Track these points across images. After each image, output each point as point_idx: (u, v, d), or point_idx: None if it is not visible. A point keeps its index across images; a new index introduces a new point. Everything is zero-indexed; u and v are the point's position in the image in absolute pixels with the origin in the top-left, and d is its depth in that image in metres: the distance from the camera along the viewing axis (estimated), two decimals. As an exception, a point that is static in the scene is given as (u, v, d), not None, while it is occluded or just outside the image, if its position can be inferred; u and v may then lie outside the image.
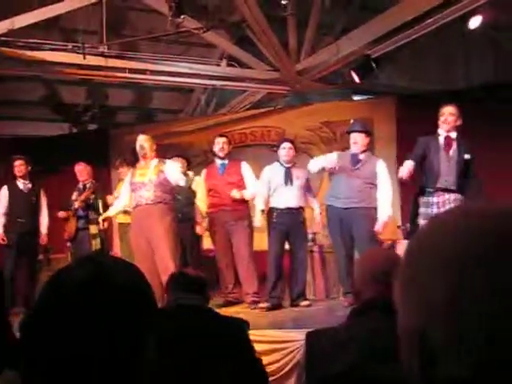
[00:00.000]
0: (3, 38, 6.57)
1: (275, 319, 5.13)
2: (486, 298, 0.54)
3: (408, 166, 4.83)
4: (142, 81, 8.05)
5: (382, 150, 7.62)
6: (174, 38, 7.81)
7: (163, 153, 5.92)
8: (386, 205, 5.30)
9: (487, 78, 8.10)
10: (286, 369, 4.17)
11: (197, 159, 7.07)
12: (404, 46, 7.03)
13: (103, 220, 5.80)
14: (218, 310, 5.34)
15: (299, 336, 4.07)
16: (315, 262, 6.39)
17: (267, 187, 5.70)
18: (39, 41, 6.97)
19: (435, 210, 4.86)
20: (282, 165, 5.77)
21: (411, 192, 5.26)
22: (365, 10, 7.76)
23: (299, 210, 5.69)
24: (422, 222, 4.90)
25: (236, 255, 5.87)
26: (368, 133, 5.54)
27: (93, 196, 6.73)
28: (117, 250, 7.06)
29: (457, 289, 0.56)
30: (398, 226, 6.57)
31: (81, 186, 6.89)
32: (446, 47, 8.50)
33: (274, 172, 5.77)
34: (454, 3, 6.05)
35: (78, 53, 6.94)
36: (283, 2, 7.20)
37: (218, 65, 8.21)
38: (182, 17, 6.62)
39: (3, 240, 6.51)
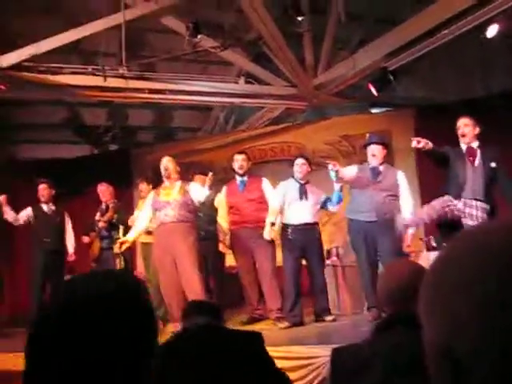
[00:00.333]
0: (26, 64, 6.71)
1: (299, 335, 5.11)
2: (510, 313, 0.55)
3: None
4: (161, 100, 8.14)
5: (402, 163, 7.60)
6: (192, 58, 7.90)
7: (184, 171, 5.98)
8: (410, 216, 5.29)
9: (506, 86, 8.04)
10: (313, 385, 4.15)
11: (217, 177, 7.08)
12: (421, 58, 7.02)
13: (121, 243, 5.83)
14: (242, 327, 5.38)
15: (324, 352, 4.05)
16: (339, 276, 6.37)
17: (281, 201, 5.71)
18: (60, 65, 7.11)
19: (470, 222, 4.82)
20: (296, 180, 5.79)
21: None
22: (380, 23, 7.78)
23: (314, 226, 5.69)
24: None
25: (259, 272, 5.86)
26: (385, 145, 5.55)
27: (116, 216, 6.79)
28: (141, 270, 7.11)
29: (482, 305, 0.57)
30: (421, 239, 6.52)
31: (103, 206, 6.96)
32: (463, 57, 8.47)
33: (288, 187, 5.78)
34: (470, 13, 6.05)
35: (98, 75, 7.07)
36: (299, 19, 7.26)
37: (236, 82, 8.27)
38: (199, 36, 6.72)
39: None
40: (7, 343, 5.48)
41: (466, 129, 4.93)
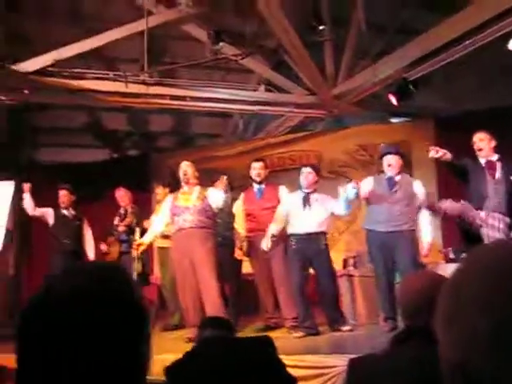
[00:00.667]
0: (49, 69, 6.81)
1: (315, 344, 5.10)
2: None
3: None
4: (181, 107, 8.19)
5: (421, 174, 7.56)
6: (213, 65, 7.94)
7: (203, 177, 6.00)
8: (429, 226, 5.26)
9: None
10: (327, 394, 4.13)
11: (235, 183, 7.13)
12: (441, 68, 6.99)
13: (138, 245, 5.86)
14: (258, 335, 5.37)
15: (339, 361, 4.04)
16: (355, 286, 6.33)
17: (286, 211, 5.67)
18: (82, 70, 7.19)
19: (491, 234, 4.83)
20: (301, 190, 5.74)
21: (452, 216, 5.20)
22: (401, 33, 7.76)
23: (319, 235, 5.57)
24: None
25: (275, 280, 5.86)
26: (401, 154, 5.52)
27: (135, 220, 6.85)
28: (157, 274, 7.15)
29: (499, 322, 0.57)
30: (439, 250, 6.47)
31: (122, 211, 7.03)
32: (483, 68, 8.42)
33: (293, 197, 5.75)
34: (492, 24, 6.01)
35: (119, 81, 7.14)
36: (320, 28, 7.28)
37: (256, 90, 8.30)
38: (221, 44, 6.76)
39: None
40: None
41: (482, 143, 4.97)
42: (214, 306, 5.24)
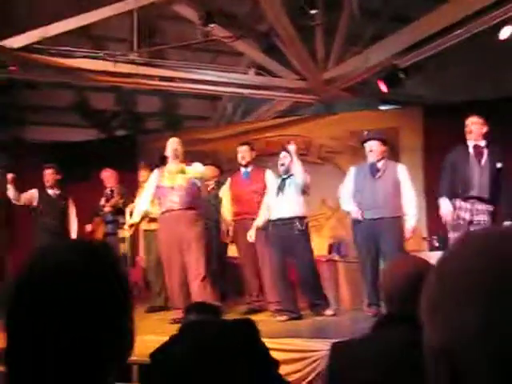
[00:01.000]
0: (36, 46, 6.71)
1: (298, 328, 5.12)
2: None
3: (449, 207, 5.03)
4: (170, 88, 8.13)
5: (408, 161, 7.57)
6: (203, 46, 7.88)
7: (190, 159, 5.96)
8: (413, 210, 5.27)
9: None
10: (309, 378, 4.16)
11: (223, 167, 7.10)
12: (432, 56, 6.99)
13: (130, 226, 5.83)
14: (240, 317, 5.38)
15: (322, 346, 4.06)
16: (340, 271, 6.37)
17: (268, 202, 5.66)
18: (71, 48, 7.10)
19: (468, 216, 4.91)
20: (280, 176, 5.67)
21: (437, 204, 5.24)
22: (393, 20, 7.74)
23: (293, 220, 5.44)
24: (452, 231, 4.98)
25: (260, 263, 5.87)
26: (383, 140, 5.50)
27: (121, 201, 6.81)
28: (142, 256, 7.15)
29: (486, 310, 0.57)
30: (424, 238, 6.51)
31: (108, 191, 6.98)
32: (475, 57, 8.43)
33: (273, 184, 5.71)
34: (484, 14, 6.01)
35: (108, 60, 7.06)
36: (312, 12, 7.23)
37: (246, 73, 8.26)
38: (211, 25, 6.69)
39: None
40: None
41: (474, 126, 5.01)
42: (200, 290, 5.24)
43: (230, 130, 9.10)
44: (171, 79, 7.76)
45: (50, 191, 6.82)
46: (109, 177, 7.04)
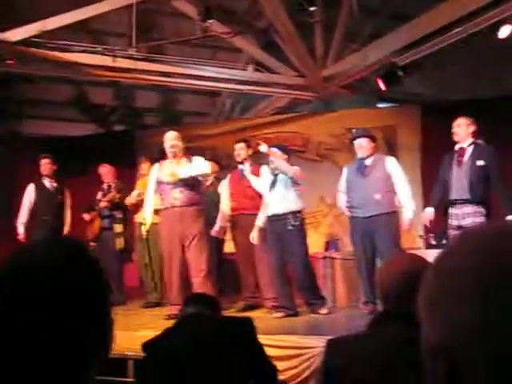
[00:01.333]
0: (34, 40, 6.69)
1: (294, 325, 5.12)
2: None
3: (429, 216, 5.13)
4: (169, 83, 8.12)
5: (406, 159, 7.60)
6: (202, 42, 7.87)
7: (189, 155, 5.95)
8: (408, 200, 5.25)
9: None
10: (304, 375, 4.17)
11: (222, 163, 7.11)
12: (431, 55, 6.98)
13: (147, 231, 5.81)
14: (238, 314, 5.40)
15: (318, 342, 4.07)
16: (336, 268, 6.37)
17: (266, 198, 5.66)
18: (69, 42, 7.08)
19: (455, 222, 4.93)
20: (272, 173, 5.66)
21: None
22: (393, 18, 7.74)
23: (286, 216, 5.43)
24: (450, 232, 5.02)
25: (256, 259, 5.88)
26: (372, 137, 5.50)
27: (118, 195, 6.80)
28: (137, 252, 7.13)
29: (484, 308, 0.57)
30: (420, 236, 6.52)
31: (105, 186, 6.97)
32: (474, 56, 8.42)
33: (266, 181, 5.71)
34: (483, 13, 6.01)
35: (107, 55, 7.04)
36: (311, 9, 7.21)
37: (245, 69, 8.25)
38: (210, 21, 6.68)
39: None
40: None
41: (458, 129, 5.07)
42: (201, 286, 5.22)
43: (228, 126, 9.09)
44: (170, 75, 7.74)
45: (48, 183, 6.81)
46: (106, 172, 7.04)
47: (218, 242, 6.37)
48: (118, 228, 6.75)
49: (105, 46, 7.17)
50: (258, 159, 6.36)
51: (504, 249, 0.59)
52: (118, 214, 6.78)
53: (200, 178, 5.54)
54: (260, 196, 5.77)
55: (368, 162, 5.38)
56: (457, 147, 5.09)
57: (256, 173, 5.97)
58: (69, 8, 6.78)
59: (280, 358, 3.98)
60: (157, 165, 5.64)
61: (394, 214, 5.26)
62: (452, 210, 5.02)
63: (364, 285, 5.43)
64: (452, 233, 5.01)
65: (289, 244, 5.43)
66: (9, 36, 6.58)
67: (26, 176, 6.97)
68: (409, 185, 5.37)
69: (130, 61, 7.28)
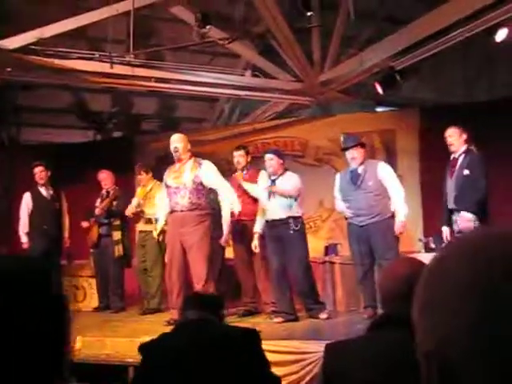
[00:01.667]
0: (32, 47, 6.69)
1: (294, 330, 5.12)
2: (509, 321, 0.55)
3: (445, 234, 5.18)
4: (166, 90, 8.12)
5: (405, 163, 7.61)
6: (199, 48, 7.88)
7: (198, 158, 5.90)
8: (401, 204, 5.27)
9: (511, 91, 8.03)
10: (305, 381, 4.16)
11: (220, 168, 7.10)
12: (428, 58, 7.00)
13: (158, 234, 5.81)
14: (238, 319, 5.40)
15: (318, 347, 4.06)
16: (335, 273, 6.36)
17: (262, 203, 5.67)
18: (67, 50, 7.08)
19: (456, 228, 4.98)
20: (269, 177, 5.69)
21: (433, 205, 5.26)
22: (389, 22, 7.76)
23: (288, 220, 5.45)
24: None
25: (255, 264, 5.88)
26: (362, 144, 5.51)
27: (115, 203, 6.79)
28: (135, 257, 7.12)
29: (477, 312, 0.57)
30: (420, 239, 6.52)
31: (104, 192, 6.96)
32: (471, 60, 8.45)
33: (263, 186, 5.72)
34: (479, 16, 6.02)
35: (104, 61, 7.04)
36: (308, 14, 7.23)
37: (243, 75, 8.26)
38: (208, 27, 6.68)
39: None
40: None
41: (451, 139, 5.14)
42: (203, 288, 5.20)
43: (226, 131, 9.09)
44: (168, 81, 7.75)
45: (44, 191, 6.77)
46: (105, 178, 7.01)
47: (220, 248, 6.36)
48: (116, 235, 6.72)
49: (102, 53, 7.17)
50: (257, 165, 6.37)
51: (494, 254, 0.59)
52: (116, 221, 6.75)
53: (205, 184, 5.41)
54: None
55: (360, 170, 5.39)
56: (451, 157, 5.16)
57: (254, 178, 5.98)
58: (66, 15, 6.78)
59: (280, 364, 3.98)
60: (166, 174, 5.60)
61: (389, 219, 5.28)
62: (453, 217, 5.09)
63: (363, 289, 5.44)
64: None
65: (289, 249, 5.43)
66: (6, 43, 6.58)
67: (24, 183, 6.96)
68: (404, 189, 5.40)
69: (127, 67, 7.28)
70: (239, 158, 6.08)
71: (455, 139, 5.09)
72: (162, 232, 5.72)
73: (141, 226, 6.71)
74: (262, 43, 8.39)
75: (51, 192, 6.82)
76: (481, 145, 5.22)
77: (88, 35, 7.89)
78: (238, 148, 6.26)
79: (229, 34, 7.27)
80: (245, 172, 6.09)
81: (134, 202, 6.66)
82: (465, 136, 5.09)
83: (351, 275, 6.01)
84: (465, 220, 4.89)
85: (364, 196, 5.28)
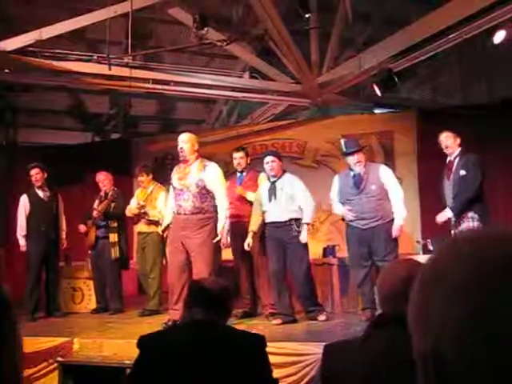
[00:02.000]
0: (30, 49, 6.70)
1: (292, 332, 5.12)
2: (504, 322, 0.55)
3: None
4: (165, 91, 8.12)
5: (403, 164, 7.63)
6: (197, 50, 7.89)
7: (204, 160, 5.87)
8: (400, 208, 5.29)
9: (510, 93, 8.04)
10: (303, 382, 4.16)
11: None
12: (426, 60, 7.01)
13: (163, 231, 5.80)
14: (236, 321, 5.39)
15: (316, 349, 4.06)
16: (334, 275, 6.37)
17: (260, 205, 5.65)
18: (65, 51, 7.08)
19: (453, 229, 5.01)
20: (268, 179, 5.69)
21: (431, 207, 5.27)
22: (387, 24, 7.77)
23: (290, 223, 5.47)
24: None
25: (254, 266, 5.88)
26: (363, 148, 5.60)
27: (113, 205, 6.77)
28: (135, 259, 7.12)
29: (471, 312, 0.57)
30: (418, 241, 6.53)
31: (102, 194, 6.94)
32: (468, 61, 8.46)
33: (263, 188, 5.71)
34: (477, 18, 6.03)
35: (103, 63, 7.04)
36: (306, 16, 7.25)
37: (241, 77, 8.26)
38: (206, 29, 6.69)
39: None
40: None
41: (449, 141, 5.16)
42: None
43: (225, 133, 9.09)
44: (166, 82, 7.75)
45: (41, 193, 6.73)
46: (103, 179, 6.98)
47: (217, 250, 6.36)
48: (113, 237, 6.70)
49: (101, 55, 7.16)
50: (255, 167, 6.37)
51: (488, 254, 0.59)
52: (113, 223, 6.73)
53: (208, 188, 5.33)
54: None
55: (361, 172, 5.40)
56: (447, 160, 5.20)
57: (253, 180, 5.98)
58: (64, 17, 6.79)
59: (278, 365, 3.97)
60: (175, 168, 5.54)
61: (390, 222, 5.29)
62: (452, 218, 5.12)
63: (361, 291, 5.44)
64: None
65: (291, 251, 5.44)
66: (5, 45, 6.58)
67: (22, 185, 6.94)
68: (403, 190, 5.42)
69: (126, 69, 7.28)
70: (240, 159, 6.07)
71: (451, 142, 5.13)
72: (167, 228, 5.67)
73: (140, 228, 6.71)
74: (260, 45, 8.39)
75: (48, 194, 6.78)
76: (478, 146, 5.24)
77: (86, 37, 7.89)
78: (237, 149, 6.25)
79: (227, 36, 7.27)
80: (244, 174, 6.08)
81: (133, 202, 6.66)
82: (458, 139, 5.14)
83: (349, 277, 6.02)
84: (467, 218, 4.93)
85: (367, 200, 5.30)
